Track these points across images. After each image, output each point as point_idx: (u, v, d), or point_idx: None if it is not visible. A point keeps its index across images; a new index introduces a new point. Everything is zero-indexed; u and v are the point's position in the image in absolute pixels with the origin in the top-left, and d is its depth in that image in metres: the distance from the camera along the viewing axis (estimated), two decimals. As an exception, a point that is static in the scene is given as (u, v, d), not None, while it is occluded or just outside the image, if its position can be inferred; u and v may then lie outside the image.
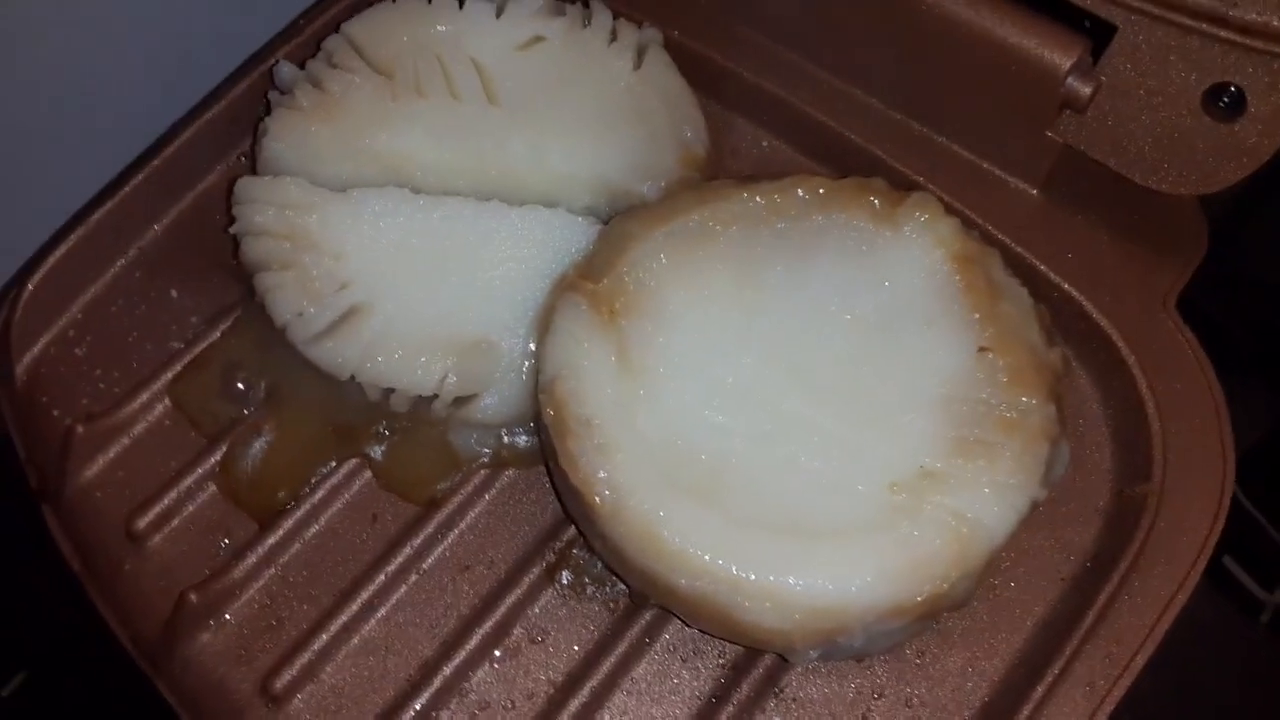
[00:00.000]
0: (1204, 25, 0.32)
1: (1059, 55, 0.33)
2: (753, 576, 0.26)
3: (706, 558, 0.26)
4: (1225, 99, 0.33)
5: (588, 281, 0.30)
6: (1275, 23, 0.31)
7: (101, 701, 0.40)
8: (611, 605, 0.31)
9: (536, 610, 0.31)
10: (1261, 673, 0.55)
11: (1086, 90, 0.34)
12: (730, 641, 0.29)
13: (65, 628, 0.41)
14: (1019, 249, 0.34)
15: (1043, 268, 0.34)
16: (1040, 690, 0.29)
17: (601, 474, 0.27)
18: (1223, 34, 0.32)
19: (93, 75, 0.38)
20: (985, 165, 0.37)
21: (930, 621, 0.28)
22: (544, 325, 0.30)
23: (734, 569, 0.26)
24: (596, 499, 0.27)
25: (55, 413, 0.35)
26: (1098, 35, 0.34)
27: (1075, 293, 0.34)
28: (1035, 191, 0.37)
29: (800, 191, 0.31)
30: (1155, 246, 0.36)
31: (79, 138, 0.39)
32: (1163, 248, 0.36)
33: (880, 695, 0.30)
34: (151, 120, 0.38)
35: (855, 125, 0.37)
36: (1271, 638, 0.55)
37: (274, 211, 0.32)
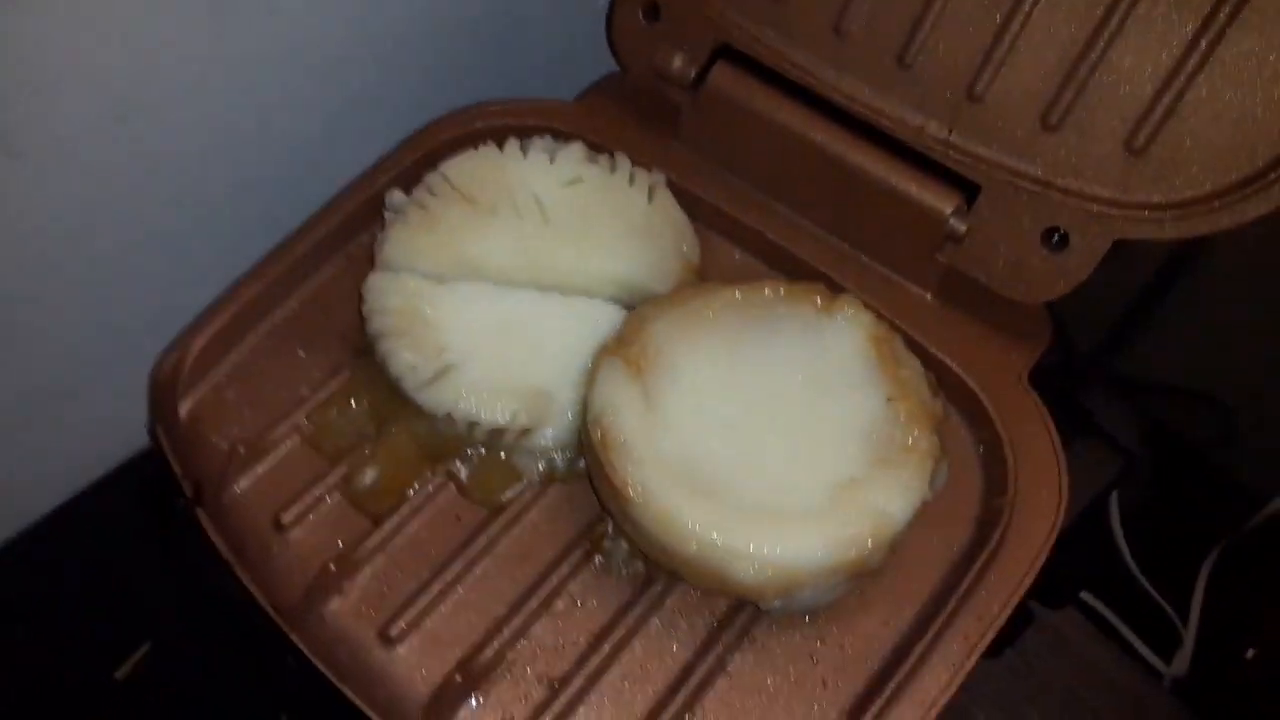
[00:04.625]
0: (1040, 188, 0.47)
1: (944, 203, 0.48)
2: (738, 545, 0.39)
3: (709, 534, 0.39)
4: (1056, 236, 0.46)
5: (621, 347, 0.43)
6: (1084, 188, 0.46)
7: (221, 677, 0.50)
8: (632, 580, 0.44)
9: (577, 583, 0.43)
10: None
11: (962, 228, 0.48)
12: (721, 594, 0.41)
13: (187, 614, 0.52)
14: (916, 335, 0.47)
15: (932, 349, 0.47)
16: (930, 636, 0.41)
17: (635, 478, 0.40)
18: (1052, 195, 0.46)
19: (243, 181, 0.51)
20: (893, 275, 0.50)
21: (856, 582, 0.41)
22: (590, 379, 0.43)
23: (727, 541, 0.39)
24: (632, 494, 0.40)
25: (214, 440, 0.46)
26: (970, 190, 0.48)
27: (955, 367, 0.47)
28: (928, 295, 0.50)
29: (767, 291, 0.45)
30: (1013, 336, 0.49)
31: (232, 228, 0.51)
32: (1018, 337, 0.49)
33: (822, 641, 0.42)
34: (282, 221, 0.51)
35: (803, 245, 0.50)
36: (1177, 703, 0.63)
37: (395, 295, 0.45)
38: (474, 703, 0.41)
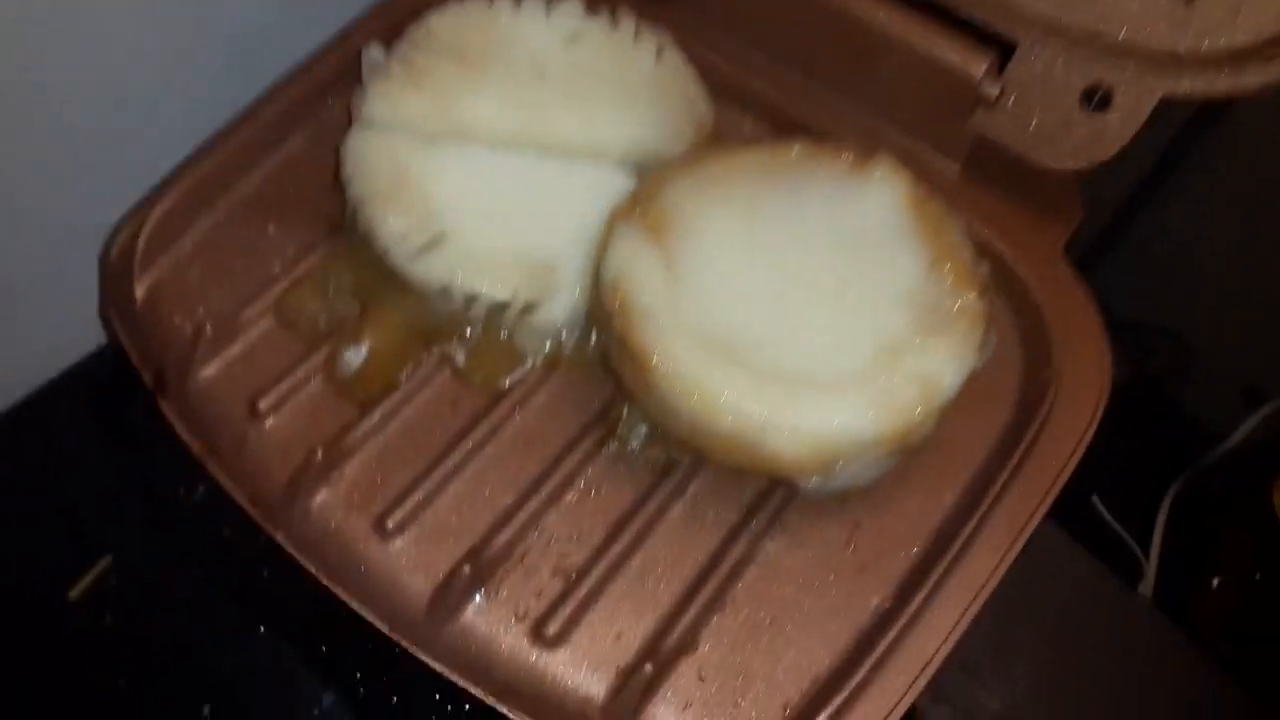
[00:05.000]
0: (1081, 41, 0.43)
1: (974, 64, 0.44)
2: (776, 416, 0.35)
3: (741, 403, 0.35)
4: (1097, 96, 0.43)
5: (637, 210, 0.39)
6: (1135, 39, 0.43)
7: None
8: (651, 466, 0.40)
9: (591, 471, 0.39)
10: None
11: (994, 91, 0.45)
12: (751, 475, 0.38)
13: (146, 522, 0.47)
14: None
15: (964, 219, 0.45)
16: (976, 518, 0.38)
17: (660, 346, 0.36)
18: (1095, 46, 0.43)
19: (200, 47, 0.46)
20: (918, 145, 0.47)
21: (896, 459, 0.38)
22: (603, 245, 0.39)
23: (762, 410, 0.35)
24: (657, 364, 0.36)
25: (177, 321, 0.41)
26: (1004, 50, 0.44)
27: (991, 238, 0.44)
28: (957, 166, 0.47)
29: (794, 151, 0.41)
30: (1045, 209, 0.46)
31: (181, 102, 0.46)
32: (1051, 210, 0.45)
33: (860, 525, 0.39)
34: (248, 87, 0.45)
35: (819, 114, 0.46)
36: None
37: (383, 156, 0.40)
38: (483, 597, 0.37)
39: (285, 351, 0.41)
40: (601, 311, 0.38)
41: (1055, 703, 0.52)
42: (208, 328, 0.41)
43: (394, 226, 0.40)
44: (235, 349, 0.41)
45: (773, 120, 0.47)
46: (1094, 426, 0.40)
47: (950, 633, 0.36)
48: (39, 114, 0.42)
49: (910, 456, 0.39)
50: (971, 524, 0.38)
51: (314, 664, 0.43)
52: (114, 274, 0.42)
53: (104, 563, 0.45)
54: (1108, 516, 0.65)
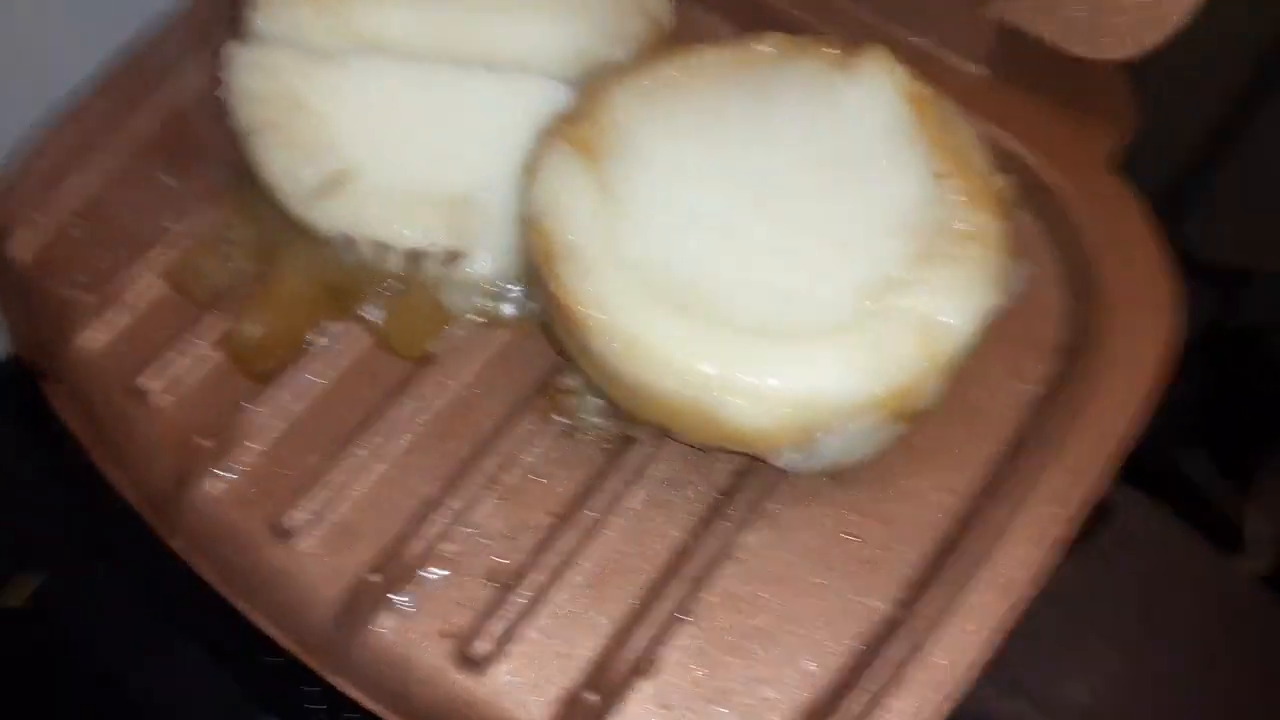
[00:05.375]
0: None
1: (992, -71, 0.36)
2: (734, 375, 0.28)
3: (691, 360, 0.28)
4: None
5: (569, 127, 0.31)
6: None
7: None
8: (605, 445, 0.33)
9: (533, 453, 0.33)
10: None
11: (1022, -35, 0.36)
12: (717, 448, 0.31)
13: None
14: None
15: (987, 127, 0.36)
16: (1008, 503, 0.30)
17: (589, 292, 0.29)
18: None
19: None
20: (928, 43, 0.39)
21: (899, 427, 0.30)
22: (530, 170, 0.32)
23: (717, 369, 0.28)
24: (586, 314, 0.29)
25: (58, 291, 0.35)
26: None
27: (1019, 148, 0.36)
28: (974, 66, 0.39)
29: (764, 47, 0.33)
30: (1087, 113, 0.37)
31: (62, 33, 0.40)
32: (1094, 114, 0.37)
33: (860, 512, 0.32)
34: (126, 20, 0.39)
35: (807, 10, 0.39)
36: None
37: (265, 76, 0.33)
38: (401, 607, 0.30)
39: (177, 317, 0.35)
40: (528, 253, 0.31)
41: (1154, 692, 0.44)
42: (88, 297, 0.35)
43: (285, 163, 0.33)
44: (119, 318, 0.35)
45: (749, 19, 0.39)
46: (1157, 380, 0.32)
47: (978, 646, 0.29)
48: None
49: (919, 425, 0.31)
50: (1003, 509, 0.30)
51: (250, 686, 0.38)
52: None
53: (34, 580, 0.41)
54: (1198, 479, 0.57)
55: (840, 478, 0.32)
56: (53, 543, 0.42)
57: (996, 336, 0.31)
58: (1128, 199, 0.36)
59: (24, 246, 0.36)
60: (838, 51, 0.33)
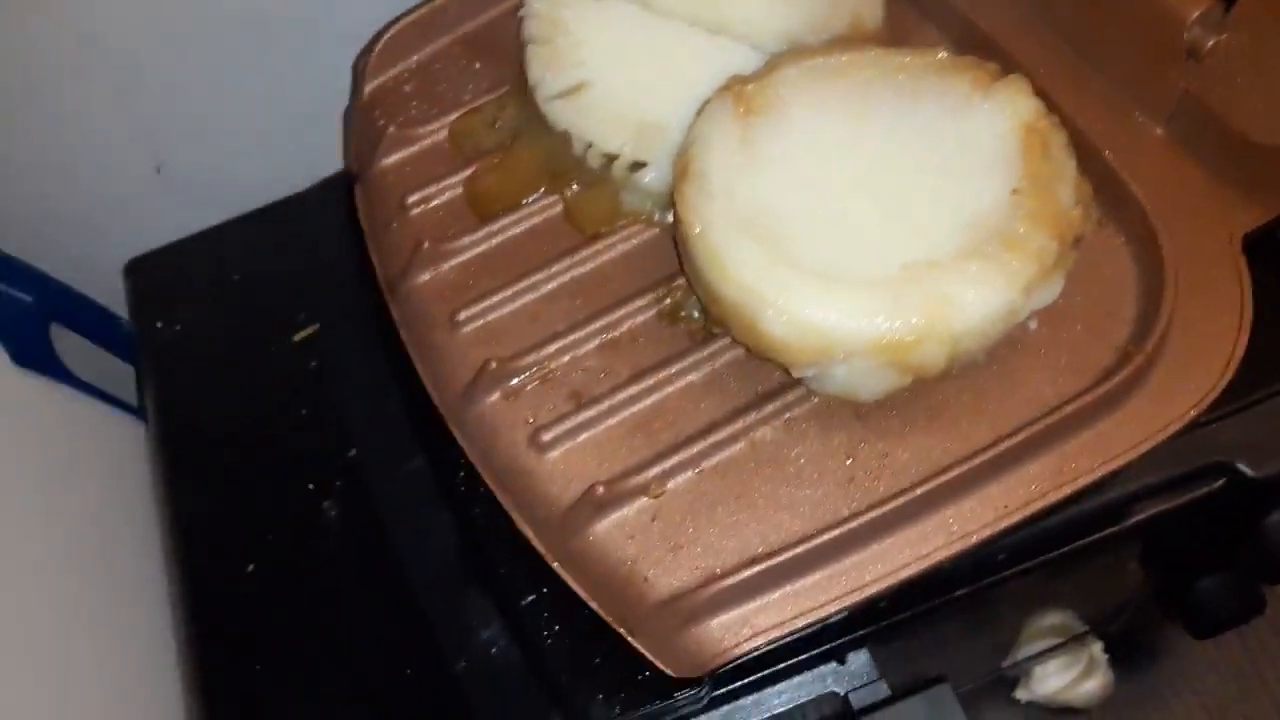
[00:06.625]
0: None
1: (1187, 4, 0.39)
2: (775, 298, 0.35)
3: (747, 276, 0.36)
4: None
5: (738, 84, 0.40)
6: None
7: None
8: (692, 334, 0.42)
9: (640, 323, 0.42)
10: None
11: (1208, 40, 0.39)
12: (752, 351, 0.38)
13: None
14: (1125, 173, 0.39)
15: (1132, 186, 0.39)
16: (979, 467, 0.36)
17: (698, 210, 0.38)
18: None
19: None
20: (1114, 93, 0.42)
21: (910, 380, 0.36)
22: (700, 111, 0.41)
23: (765, 290, 0.36)
24: (690, 226, 0.38)
25: (381, 121, 0.50)
26: (1227, -6, 0.39)
27: (1146, 205, 0.39)
28: (1158, 128, 0.42)
29: (921, 59, 0.40)
30: (1243, 190, 0.40)
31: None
32: (1245, 195, 0.39)
33: (864, 443, 0.38)
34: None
35: (1009, 34, 0.43)
36: None
37: (547, 3, 0.45)
38: (501, 396, 0.41)
39: (446, 163, 0.48)
40: (673, 172, 0.40)
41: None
42: (393, 129, 0.49)
43: (541, 70, 0.44)
44: (408, 152, 0.49)
45: (957, 36, 0.45)
46: (1166, 432, 0.36)
47: (899, 569, 0.35)
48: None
49: (948, 392, 0.38)
50: (975, 469, 0.36)
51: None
52: (355, 76, 0.52)
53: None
54: None
55: (863, 414, 0.38)
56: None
57: (1050, 347, 0.36)
58: (1235, 269, 0.38)
59: (373, 87, 0.51)
60: (980, 75, 0.39)
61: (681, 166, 0.39)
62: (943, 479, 0.36)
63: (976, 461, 0.36)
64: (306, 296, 0.54)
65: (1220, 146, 0.40)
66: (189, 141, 0.58)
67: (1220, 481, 0.41)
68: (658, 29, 0.44)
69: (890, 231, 0.37)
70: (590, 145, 0.44)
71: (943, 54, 0.40)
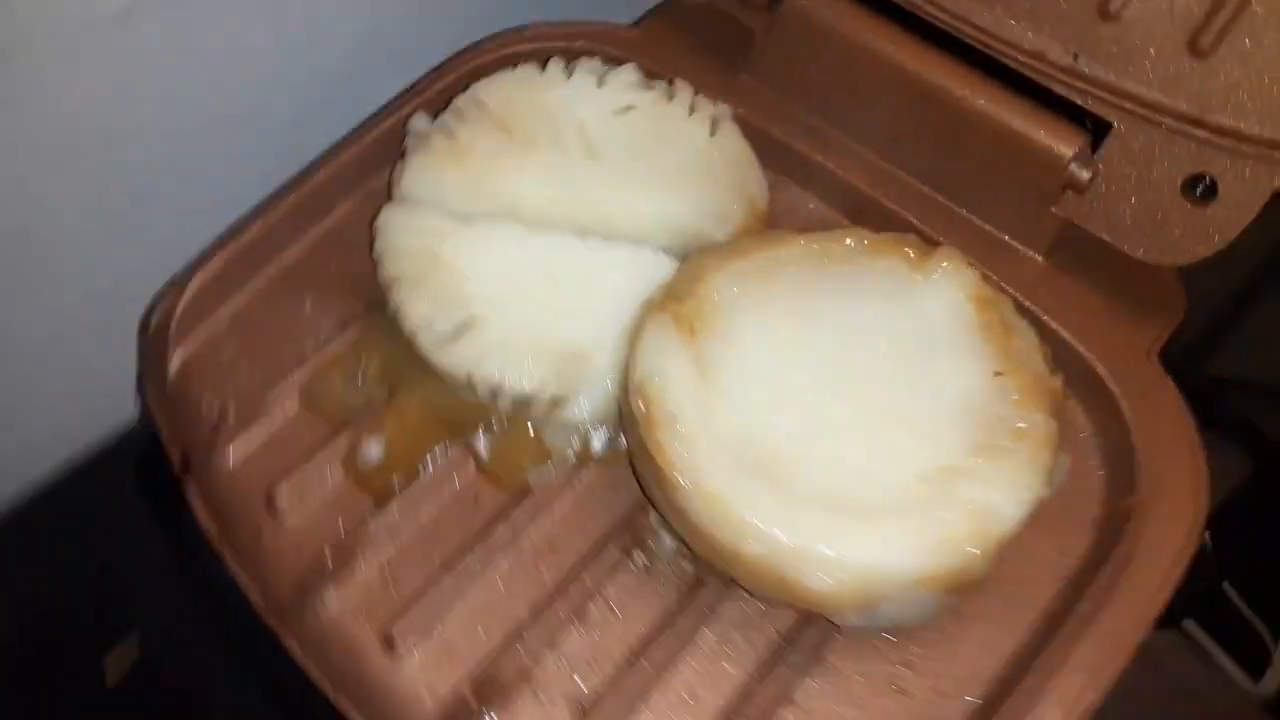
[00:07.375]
0: (1186, 126, 0.39)
1: (1064, 145, 0.40)
2: (807, 545, 0.32)
3: (767, 528, 0.32)
4: (1201, 187, 0.39)
5: (671, 302, 0.36)
6: (1244, 127, 0.38)
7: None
8: (679, 583, 0.37)
9: (614, 586, 0.36)
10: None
11: (1085, 175, 0.40)
12: (785, 605, 0.34)
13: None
14: (1026, 302, 0.40)
15: (1044, 318, 0.40)
16: (1044, 667, 0.33)
17: (684, 458, 0.33)
18: (1200, 134, 0.38)
19: (242, 110, 0.45)
20: (998, 233, 0.43)
21: (954, 597, 0.34)
22: (634, 338, 0.36)
23: (791, 538, 0.32)
24: (680, 478, 0.33)
25: (205, 401, 0.40)
26: (1097, 130, 0.40)
27: (1071, 339, 0.39)
28: (1039, 257, 0.43)
29: (848, 241, 0.38)
30: (1139, 307, 0.41)
31: (228, 164, 0.45)
32: (1145, 308, 0.41)
33: (911, 668, 0.35)
34: (293, 157, 0.44)
35: (891, 194, 0.43)
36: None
37: (411, 235, 0.38)
38: (498, 729, 0.34)
39: (309, 435, 0.39)
40: (627, 413, 0.35)
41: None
42: (232, 409, 0.39)
43: (421, 310, 0.38)
44: (259, 432, 0.39)
45: (840, 202, 0.44)
46: (1184, 562, 0.36)
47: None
48: (87, 180, 0.42)
49: (970, 590, 0.35)
50: (1040, 675, 0.33)
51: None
52: (150, 346, 0.42)
53: (133, 642, 0.45)
54: (1236, 599, 0.60)
55: (895, 633, 0.35)
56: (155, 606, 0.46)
57: (1044, 511, 0.34)
58: (1167, 389, 0.39)
59: (182, 357, 0.41)
60: (911, 250, 0.37)
61: (644, 407, 0.34)
62: (1010, 681, 0.33)
63: (1034, 661, 0.34)
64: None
65: (1108, 269, 0.42)
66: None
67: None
68: (545, 245, 0.39)
69: (886, 438, 0.34)
70: (500, 389, 0.37)
71: (855, 237, 0.38)
